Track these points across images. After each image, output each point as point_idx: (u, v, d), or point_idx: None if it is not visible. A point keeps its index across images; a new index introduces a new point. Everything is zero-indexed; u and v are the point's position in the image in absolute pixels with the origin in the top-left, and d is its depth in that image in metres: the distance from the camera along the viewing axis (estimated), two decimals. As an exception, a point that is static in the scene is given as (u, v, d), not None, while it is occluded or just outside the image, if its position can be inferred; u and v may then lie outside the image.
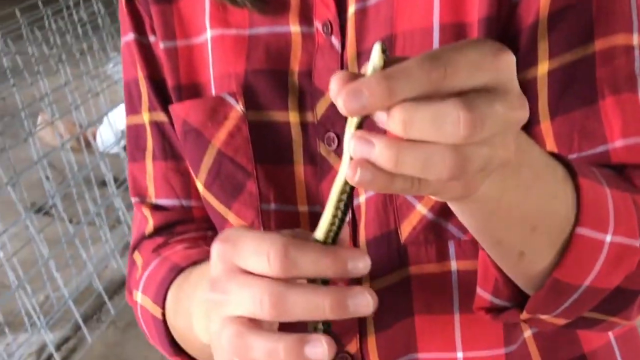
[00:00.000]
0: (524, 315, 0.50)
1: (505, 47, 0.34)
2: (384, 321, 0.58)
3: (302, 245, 0.36)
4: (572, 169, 0.46)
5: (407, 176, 0.33)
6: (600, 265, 0.47)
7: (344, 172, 0.35)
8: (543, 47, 0.53)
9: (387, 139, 0.33)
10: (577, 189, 0.45)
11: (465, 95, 0.32)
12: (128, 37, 0.64)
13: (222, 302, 0.38)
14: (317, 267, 0.36)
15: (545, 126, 0.54)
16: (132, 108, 0.66)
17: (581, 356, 0.62)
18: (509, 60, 0.34)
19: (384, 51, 0.34)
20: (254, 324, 0.37)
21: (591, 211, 0.46)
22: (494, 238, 0.47)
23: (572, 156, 0.53)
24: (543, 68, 0.53)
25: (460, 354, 0.58)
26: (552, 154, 0.47)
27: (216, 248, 0.38)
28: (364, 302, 0.35)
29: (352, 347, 0.59)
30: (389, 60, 0.34)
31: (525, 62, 0.54)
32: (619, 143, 0.52)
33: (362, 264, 0.36)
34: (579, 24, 0.52)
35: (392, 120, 0.32)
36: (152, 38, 0.63)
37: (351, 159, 0.34)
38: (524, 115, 0.35)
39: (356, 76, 0.33)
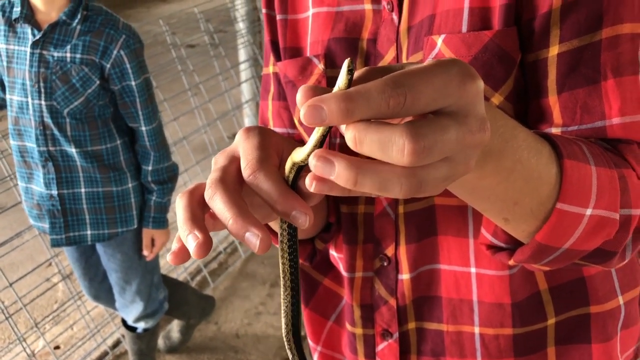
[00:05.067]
0: (512, 262, 0.59)
1: (474, 73, 0.36)
2: (413, 236, 0.71)
3: (267, 178, 0.42)
4: (559, 149, 0.51)
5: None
6: (580, 233, 0.53)
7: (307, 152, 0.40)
8: (555, 33, 0.59)
9: (347, 161, 0.36)
10: (561, 169, 0.51)
11: (416, 122, 0.34)
12: (264, 10, 0.81)
13: None
14: (267, 201, 0.42)
15: (553, 100, 0.60)
16: (265, 62, 0.85)
17: (580, 279, 0.70)
18: (475, 86, 0.36)
19: (350, 70, 0.36)
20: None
21: (573, 189, 0.51)
22: (478, 207, 0.54)
23: (573, 127, 0.60)
24: (553, 50, 0.60)
25: (473, 269, 0.69)
26: (543, 135, 0.53)
27: None
28: (252, 238, 0.41)
29: (389, 251, 0.73)
30: (356, 79, 0.37)
31: (539, 44, 0.61)
32: (615, 120, 0.58)
33: (301, 219, 0.42)
34: (589, 15, 0.58)
35: (346, 135, 0.36)
36: (274, 12, 0.80)
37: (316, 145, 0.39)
38: (482, 137, 0.37)
39: (321, 90, 0.37)
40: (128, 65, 1.80)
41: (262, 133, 0.46)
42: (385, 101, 0.34)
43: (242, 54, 3.73)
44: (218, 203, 0.42)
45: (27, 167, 1.92)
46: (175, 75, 3.21)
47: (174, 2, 9.43)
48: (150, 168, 1.96)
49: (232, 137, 3.82)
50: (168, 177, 2.01)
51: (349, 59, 0.37)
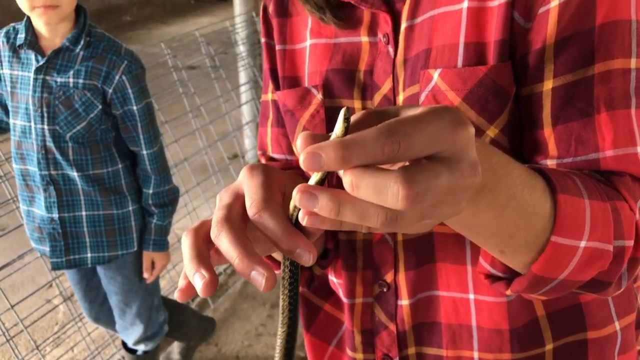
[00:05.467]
0: (509, 292, 0.60)
1: (465, 120, 0.38)
2: (412, 263, 0.72)
3: (272, 217, 0.43)
4: (553, 184, 0.53)
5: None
6: (575, 264, 0.54)
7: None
8: (549, 68, 0.61)
9: (329, 194, 0.38)
10: (555, 203, 0.52)
11: (410, 169, 0.36)
12: (263, 39, 0.83)
13: None
14: (272, 239, 0.43)
15: (548, 132, 0.62)
16: (264, 89, 0.87)
17: (577, 305, 0.71)
18: (467, 133, 0.38)
19: (346, 118, 0.38)
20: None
21: (567, 222, 0.53)
22: (475, 241, 0.56)
23: (568, 159, 0.62)
24: (548, 85, 0.62)
25: (472, 296, 0.70)
26: (536, 169, 0.54)
27: None
28: (259, 276, 0.42)
29: (389, 277, 0.74)
30: (353, 123, 0.39)
31: (533, 78, 0.62)
32: (608, 153, 0.60)
33: (305, 257, 0.43)
34: (581, 51, 0.60)
35: (344, 180, 0.38)
36: (274, 41, 0.82)
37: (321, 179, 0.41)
38: (473, 181, 0.39)
39: (320, 137, 0.39)
40: (130, 90, 1.83)
41: (265, 171, 0.48)
42: (380, 149, 0.36)
43: (243, 77, 3.76)
44: (224, 242, 0.44)
45: (29, 191, 1.93)
46: (177, 97, 3.24)
47: (174, 24, 9.52)
48: (151, 191, 1.97)
49: (233, 157, 3.85)
50: (169, 200, 2.02)
51: (345, 107, 0.39)
